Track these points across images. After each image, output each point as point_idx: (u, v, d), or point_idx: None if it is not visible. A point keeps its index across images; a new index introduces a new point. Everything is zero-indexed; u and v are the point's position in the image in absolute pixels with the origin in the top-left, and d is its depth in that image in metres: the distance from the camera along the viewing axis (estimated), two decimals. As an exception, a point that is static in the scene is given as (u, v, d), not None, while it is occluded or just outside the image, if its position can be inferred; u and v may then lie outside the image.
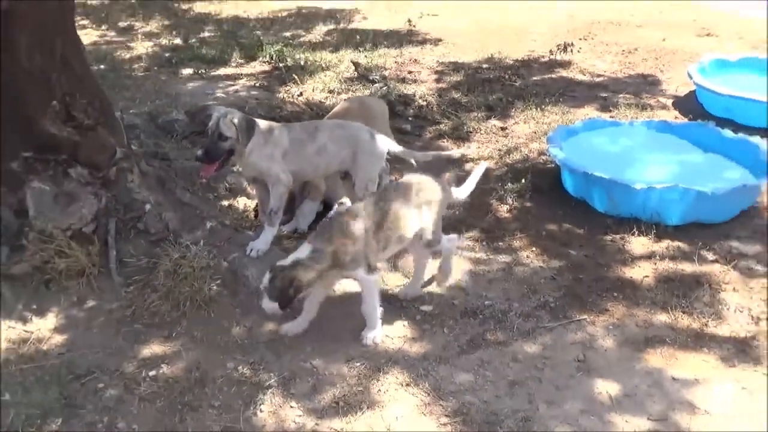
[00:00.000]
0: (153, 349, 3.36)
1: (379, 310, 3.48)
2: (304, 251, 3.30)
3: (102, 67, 7.05)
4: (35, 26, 3.97)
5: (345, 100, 5.60)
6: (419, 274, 3.82)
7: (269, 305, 3.27)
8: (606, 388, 3.18)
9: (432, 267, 3.89)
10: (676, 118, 6.03)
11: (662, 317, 3.64)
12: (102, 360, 3.29)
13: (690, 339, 3.49)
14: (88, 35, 8.19)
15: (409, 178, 3.74)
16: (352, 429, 2.94)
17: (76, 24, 8.34)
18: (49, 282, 3.68)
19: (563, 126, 5.42)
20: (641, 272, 4.01)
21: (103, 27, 8.50)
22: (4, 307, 3.54)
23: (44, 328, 3.48)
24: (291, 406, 3.05)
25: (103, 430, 2.91)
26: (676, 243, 4.25)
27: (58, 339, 3.42)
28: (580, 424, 2.98)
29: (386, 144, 4.10)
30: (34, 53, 3.98)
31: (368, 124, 4.46)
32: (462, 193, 3.95)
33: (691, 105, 6.25)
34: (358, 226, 3.38)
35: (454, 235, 3.87)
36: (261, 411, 3.02)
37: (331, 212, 4.27)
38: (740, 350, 3.41)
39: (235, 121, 3.73)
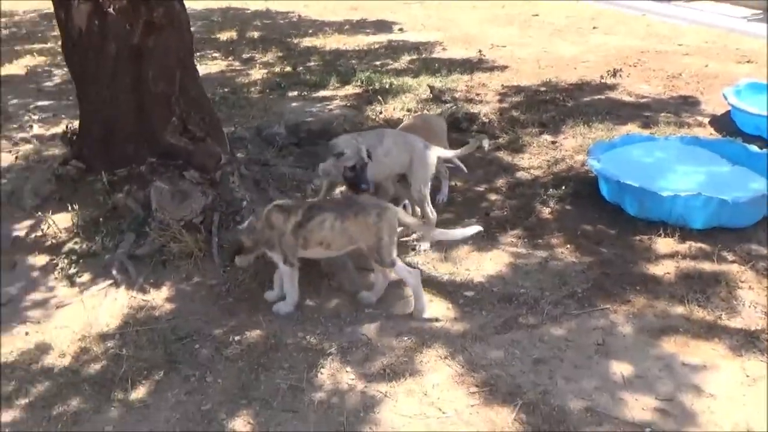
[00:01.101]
0: (240, 318, 3.44)
1: (296, 290, 3.43)
2: (245, 223, 3.49)
3: (226, 90, 7.26)
4: (161, 61, 4.18)
5: (411, 117, 5.59)
6: (378, 285, 3.55)
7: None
8: (620, 369, 3.03)
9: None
10: (711, 134, 5.68)
11: (679, 309, 3.44)
12: (200, 326, 3.39)
13: (702, 329, 3.28)
14: (217, 65, 8.46)
15: (371, 201, 3.51)
16: (394, 392, 2.93)
17: (209, 56, 8.80)
18: (164, 262, 3.84)
19: (603, 140, 5.21)
20: (664, 269, 3.80)
21: (230, 58, 8.74)
22: (129, 281, 3.72)
23: (158, 298, 3.61)
24: (346, 371, 3.06)
25: (195, 383, 2.99)
26: (699, 244, 4.00)
27: (168, 307, 3.54)
28: (593, 399, 2.86)
29: (437, 153, 4.05)
30: (159, 81, 4.20)
31: (428, 137, 4.42)
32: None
33: (726, 124, 5.88)
34: (278, 218, 3.32)
35: (417, 270, 3.51)
36: (321, 373, 3.04)
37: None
38: (749, 341, 3.18)
39: (365, 149, 3.74)
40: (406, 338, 3.28)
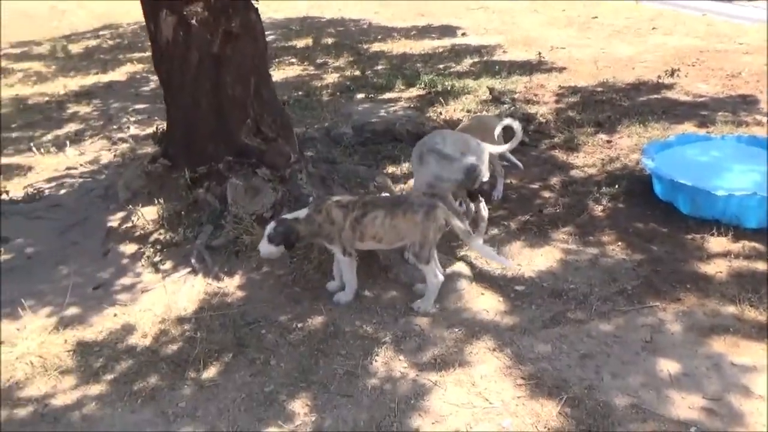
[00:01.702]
0: (304, 306, 3.43)
1: (355, 279, 3.38)
2: (302, 213, 3.33)
3: (300, 93, 7.31)
4: (237, 68, 4.21)
5: (468, 118, 5.45)
6: (430, 292, 3.35)
7: (266, 248, 3.29)
8: (667, 366, 2.84)
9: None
10: (769, 133, 5.30)
11: (730, 309, 3.20)
12: (267, 312, 3.40)
13: (754, 329, 3.04)
14: (294, 70, 8.54)
15: (420, 200, 3.37)
16: (443, 381, 2.85)
17: (287, 62, 8.90)
18: (237, 252, 3.85)
19: (658, 140, 4.93)
20: (716, 268, 3.55)
21: (305, 63, 8.80)
22: (205, 269, 3.78)
23: (231, 285, 3.64)
24: (399, 359, 3.00)
25: (260, 365, 3.00)
26: (753, 244, 3.72)
27: (239, 294, 3.57)
28: (639, 396, 2.69)
29: (489, 150, 3.90)
30: (236, 86, 4.23)
31: (484, 137, 4.30)
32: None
33: (786, 122, 5.48)
34: (338, 214, 3.26)
35: (442, 277, 3.35)
36: (375, 361, 2.99)
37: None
38: (802, 343, 2.94)
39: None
40: (456, 330, 3.19)
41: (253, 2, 4.31)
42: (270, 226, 3.31)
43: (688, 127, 5.54)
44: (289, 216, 3.37)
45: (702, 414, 2.59)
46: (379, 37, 10.07)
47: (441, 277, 3.35)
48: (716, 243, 3.78)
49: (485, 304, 3.38)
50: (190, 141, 4.38)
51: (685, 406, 2.63)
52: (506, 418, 2.63)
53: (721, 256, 3.66)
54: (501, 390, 2.79)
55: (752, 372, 2.79)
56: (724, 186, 4.00)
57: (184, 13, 4.01)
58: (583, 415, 2.60)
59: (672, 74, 6.93)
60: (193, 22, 4.02)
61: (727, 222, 3.87)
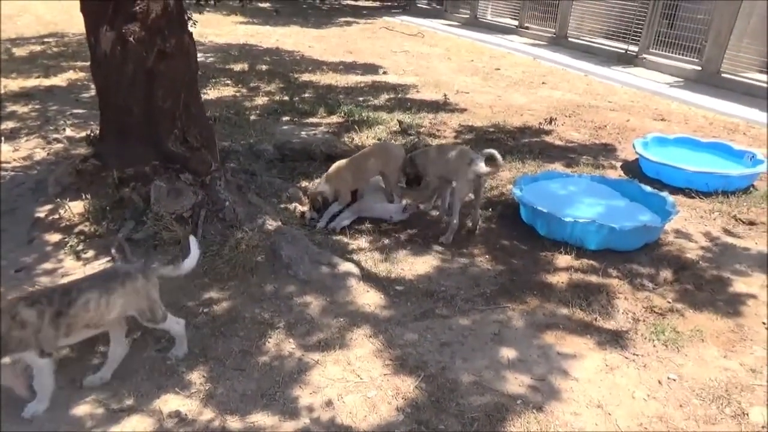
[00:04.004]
0: (211, 295, 3.59)
1: (50, 389, 2.66)
2: None
3: (231, 112, 7.42)
4: (169, 83, 4.31)
5: (374, 143, 5.77)
6: (112, 361, 2.89)
7: None
8: (508, 354, 3.21)
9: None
10: (619, 175, 5.90)
11: (564, 311, 3.62)
12: (177, 298, 3.52)
13: (579, 327, 3.46)
14: (228, 90, 8.63)
15: (130, 266, 3.02)
16: (324, 360, 3.09)
17: (223, 82, 8.98)
18: (156, 246, 3.95)
19: (527, 174, 5.43)
20: (559, 279, 3.99)
21: (239, 86, 8.90)
22: (124, 259, 3.84)
23: (147, 275, 3.76)
24: (289, 342, 3.22)
25: (165, 343, 3.12)
26: (591, 261, 4.19)
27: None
28: (482, 375, 3.03)
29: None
30: (167, 99, 4.33)
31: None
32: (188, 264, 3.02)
33: (634, 168, 6.10)
34: (29, 315, 2.49)
35: (182, 320, 3.08)
36: (268, 342, 3.19)
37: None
38: (614, 339, 3.37)
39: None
40: (342, 319, 3.44)
41: (190, 27, 4.47)
42: None
43: (557, 166, 6.09)
44: None
45: (528, 390, 2.96)
46: (310, 68, 10.33)
47: (182, 321, 3.02)
48: (563, 260, 4.24)
49: (369, 299, 3.66)
50: (120, 144, 4.43)
51: (517, 384, 2.99)
52: (372, 390, 2.90)
53: (564, 270, 4.10)
54: (371, 369, 3.05)
55: (573, 359, 3.20)
56: (575, 214, 4.49)
57: (123, 30, 4.11)
58: (434, 389, 2.91)
59: (550, 122, 7.56)
60: (131, 39, 4.12)
61: (573, 243, 4.35)
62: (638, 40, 11.76)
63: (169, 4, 4.22)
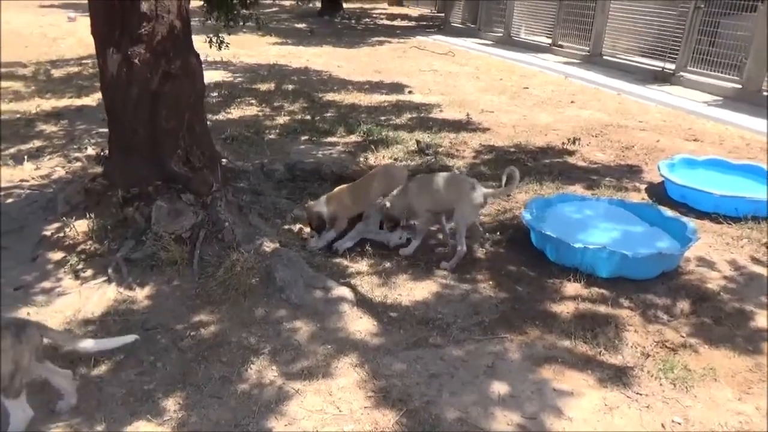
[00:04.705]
0: (201, 317, 3.54)
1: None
2: None
3: (251, 131, 7.47)
4: (173, 104, 4.35)
5: (379, 166, 5.67)
6: (65, 388, 2.77)
7: None
8: (499, 388, 3.03)
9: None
10: (643, 199, 5.65)
11: (565, 343, 3.42)
12: (167, 320, 3.50)
13: (580, 361, 3.26)
14: (251, 110, 8.73)
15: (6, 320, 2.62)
16: (305, 389, 2.98)
17: (247, 102, 9.10)
18: (153, 266, 3.95)
19: (540, 197, 5.24)
20: (564, 308, 3.78)
21: (263, 105, 9.00)
22: (120, 279, 3.86)
23: (140, 295, 3.73)
24: (272, 369, 3.13)
25: (147, 366, 3.10)
26: (601, 290, 3.97)
27: (145, 303, 3.66)
28: (468, 411, 2.87)
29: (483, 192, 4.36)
30: (171, 120, 4.37)
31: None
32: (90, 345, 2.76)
33: (659, 191, 5.82)
34: None
35: (68, 371, 2.83)
36: (250, 369, 3.11)
37: None
38: (616, 375, 3.14)
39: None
40: (329, 346, 3.34)
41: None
42: None
43: (577, 189, 5.87)
44: None
45: (516, 429, 2.78)
46: (335, 88, 10.38)
47: (30, 412, 2.59)
48: (571, 288, 4.03)
49: (360, 326, 3.54)
50: (126, 164, 4.49)
51: (505, 422, 2.82)
52: (349, 424, 2.78)
53: (571, 299, 3.90)
54: (353, 400, 2.93)
55: (569, 396, 3.00)
56: (589, 239, 4.29)
57: (129, 52, 4.19)
58: (415, 425, 2.77)
59: (574, 142, 7.33)
60: (136, 61, 4.19)
61: (584, 270, 4.14)
62: (675, 58, 11.39)
63: (175, 27, 4.28)
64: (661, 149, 7.25)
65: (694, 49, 11.05)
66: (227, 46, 8.12)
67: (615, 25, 13.19)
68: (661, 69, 11.64)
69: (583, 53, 13.84)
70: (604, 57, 13.27)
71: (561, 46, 14.76)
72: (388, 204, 4.38)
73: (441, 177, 4.42)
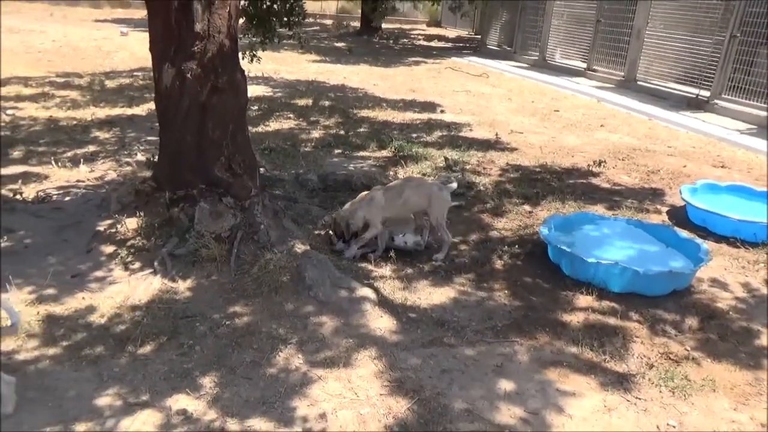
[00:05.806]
0: (235, 309, 3.88)
1: None
2: None
3: (288, 143, 7.90)
4: (219, 115, 4.75)
5: (401, 178, 5.95)
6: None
7: None
8: (505, 385, 3.27)
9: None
10: (662, 221, 5.82)
11: (572, 349, 3.64)
12: (205, 310, 3.84)
13: (585, 367, 3.47)
14: (289, 123, 9.17)
15: None
16: (327, 376, 3.28)
17: (285, 116, 9.56)
18: (194, 262, 4.30)
19: (559, 214, 5.46)
20: (575, 318, 4.00)
21: (300, 119, 9.44)
22: (165, 272, 4.24)
23: (182, 287, 4.09)
24: (298, 357, 3.44)
25: (186, 348, 3.43)
26: (612, 304, 4.17)
27: (186, 294, 4.02)
28: (475, 404, 3.11)
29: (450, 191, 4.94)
30: (216, 130, 4.76)
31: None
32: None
33: (681, 215, 5.98)
34: None
35: (12, 378, 2.92)
36: (279, 356, 3.42)
37: None
38: (618, 381, 3.35)
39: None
40: (351, 340, 3.63)
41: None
42: None
43: (599, 209, 6.06)
44: None
45: (519, 422, 3.01)
46: (370, 105, 10.78)
47: (12, 380, 2.77)
48: (583, 300, 4.24)
49: (381, 324, 3.83)
50: (174, 169, 4.91)
51: (508, 415, 3.06)
52: (365, 408, 3.06)
53: (582, 310, 4.11)
54: (369, 388, 3.21)
55: (571, 396, 3.21)
56: (602, 257, 4.50)
57: (182, 67, 4.62)
58: (426, 412, 3.03)
59: (599, 165, 7.52)
60: (188, 75, 4.61)
61: (597, 284, 4.35)
62: (710, 85, 11.46)
63: (224, 45, 4.70)
64: (687, 174, 7.38)
65: (729, 77, 11.11)
66: (259, 60, 8.45)
67: (650, 51, 13.32)
68: (695, 96, 11.71)
69: (618, 78, 13.97)
70: (638, 82, 13.39)
71: (595, 71, 14.92)
72: (352, 215, 4.71)
73: (402, 186, 4.85)
